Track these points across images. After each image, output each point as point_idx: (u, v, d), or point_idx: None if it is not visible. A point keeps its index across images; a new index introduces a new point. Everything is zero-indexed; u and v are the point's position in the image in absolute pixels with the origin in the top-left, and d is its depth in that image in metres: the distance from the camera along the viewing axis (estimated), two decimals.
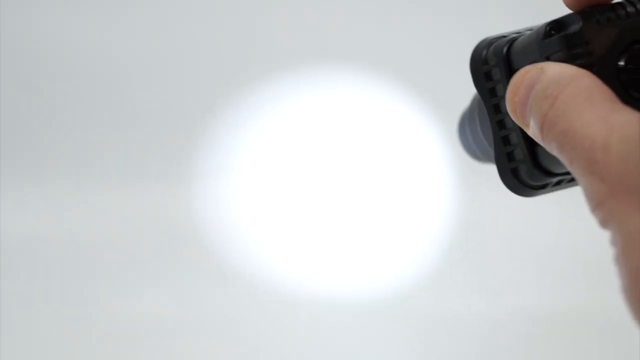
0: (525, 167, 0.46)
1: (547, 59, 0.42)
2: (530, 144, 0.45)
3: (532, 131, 0.40)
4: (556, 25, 0.42)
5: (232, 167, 0.95)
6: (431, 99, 0.93)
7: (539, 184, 0.47)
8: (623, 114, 0.35)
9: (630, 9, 0.41)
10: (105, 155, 0.95)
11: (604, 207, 0.35)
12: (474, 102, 0.52)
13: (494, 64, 0.46)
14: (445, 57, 0.85)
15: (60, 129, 0.95)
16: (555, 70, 0.40)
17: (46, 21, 0.98)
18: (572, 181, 0.45)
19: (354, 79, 0.95)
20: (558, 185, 0.48)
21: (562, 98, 0.38)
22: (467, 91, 0.52)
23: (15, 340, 0.82)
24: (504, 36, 0.47)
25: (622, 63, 0.41)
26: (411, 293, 0.90)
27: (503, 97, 0.44)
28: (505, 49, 0.45)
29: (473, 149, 0.53)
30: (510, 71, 0.44)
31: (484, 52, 0.47)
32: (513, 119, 0.43)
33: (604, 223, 0.35)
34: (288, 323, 0.85)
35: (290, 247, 0.94)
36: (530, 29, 0.46)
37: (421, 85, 0.95)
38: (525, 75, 0.41)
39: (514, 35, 0.46)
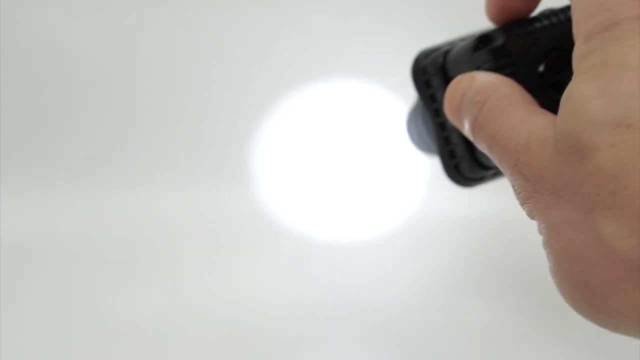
0: (466, 163, 0.51)
1: (478, 69, 0.46)
2: (468, 142, 0.49)
3: (466, 132, 0.44)
4: (484, 40, 0.46)
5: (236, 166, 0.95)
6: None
7: (478, 176, 0.52)
8: (540, 118, 0.39)
9: (545, 22, 0.45)
10: (110, 156, 0.95)
11: (530, 202, 0.38)
12: (416, 107, 0.56)
13: (432, 73, 0.50)
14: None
15: (61, 129, 0.95)
16: (483, 79, 0.43)
17: (49, 20, 0.98)
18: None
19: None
20: (495, 176, 0.53)
21: (488, 104, 0.42)
22: None
23: (15, 340, 0.83)
24: (439, 48, 0.52)
25: (541, 69, 0.45)
26: None
27: (442, 102, 0.48)
28: (441, 60, 0.50)
29: (420, 145, 0.58)
30: (446, 79, 0.48)
31: (423, 63, 0.52)
32: (450, 121, 0.46)
33: (531, 215, 0.39)
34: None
35: None
36: (462, 39, 0.50)
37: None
38: (459, 83, 0.45)
39: (447, 47, 0.51)
